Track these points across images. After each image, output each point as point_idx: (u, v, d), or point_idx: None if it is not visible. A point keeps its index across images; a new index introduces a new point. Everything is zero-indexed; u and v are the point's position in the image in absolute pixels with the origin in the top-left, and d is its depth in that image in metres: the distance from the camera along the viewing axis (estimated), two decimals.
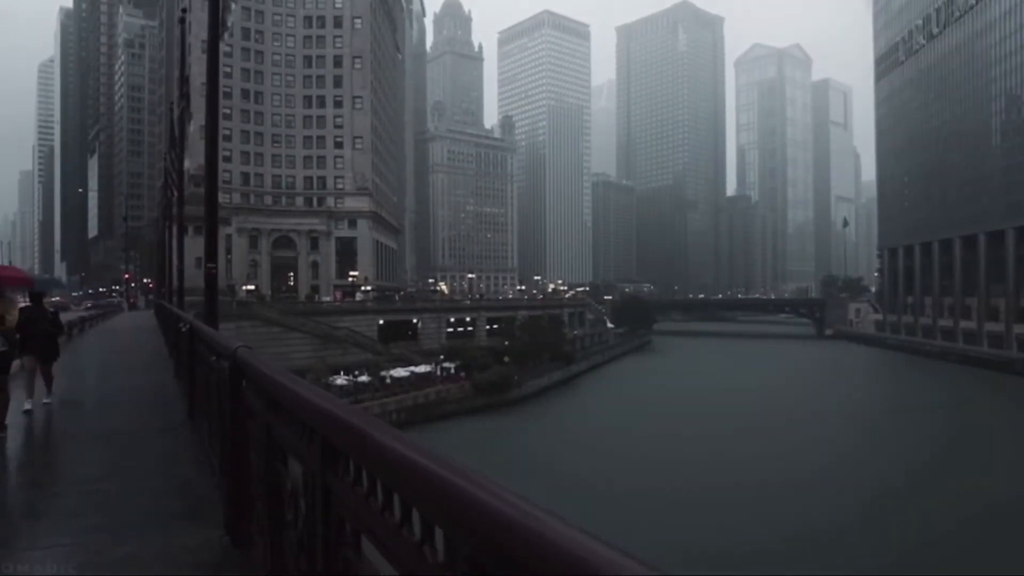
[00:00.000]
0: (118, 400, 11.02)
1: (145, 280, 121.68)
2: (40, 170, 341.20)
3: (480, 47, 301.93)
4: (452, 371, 75.71)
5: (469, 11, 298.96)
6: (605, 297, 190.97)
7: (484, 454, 52.58)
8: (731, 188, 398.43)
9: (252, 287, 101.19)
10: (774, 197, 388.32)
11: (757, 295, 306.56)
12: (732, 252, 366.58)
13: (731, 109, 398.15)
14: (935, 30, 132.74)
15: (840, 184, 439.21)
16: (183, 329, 9.36)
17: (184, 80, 14.17)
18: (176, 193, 18.40)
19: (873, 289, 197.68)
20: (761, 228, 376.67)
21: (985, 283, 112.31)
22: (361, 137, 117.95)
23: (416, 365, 74.39)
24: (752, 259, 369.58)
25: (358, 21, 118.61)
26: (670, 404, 73.60)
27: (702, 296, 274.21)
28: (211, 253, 8.87)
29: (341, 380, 65.95)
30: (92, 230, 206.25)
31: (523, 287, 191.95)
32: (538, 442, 57.22)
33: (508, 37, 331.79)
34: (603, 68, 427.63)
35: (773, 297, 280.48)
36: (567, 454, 52.19)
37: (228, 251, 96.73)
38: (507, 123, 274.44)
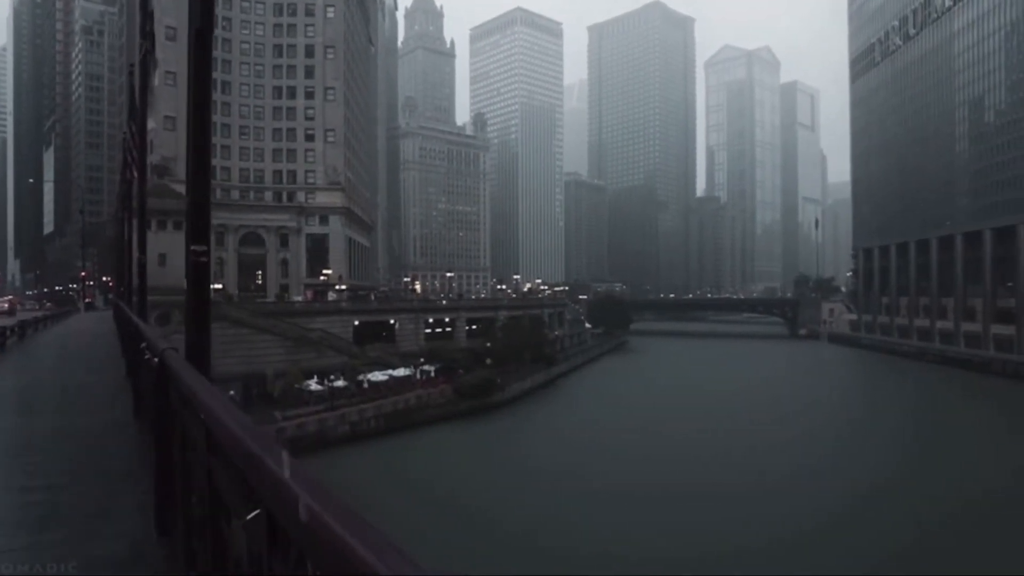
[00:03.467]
0: (24, 464, 6.50)
1: (104, 278, 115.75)
2: None
3: (452, 43, 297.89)
4: (432, 374, 72.39)
5: (441, 6, 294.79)
6: (580, 296, 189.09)
7: (473, 462, 50.00)
8: (700, 189, 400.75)
9: (219, 286, 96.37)
10: (743, 198, 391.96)
11: (727, 295, 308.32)
12: (702, 252, 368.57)
13: (701, 110, 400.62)
14: (912, 31, 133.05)
15: (807, 185, 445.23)
16: (146, 357, 5.97)
17: (147, 14, 10.92)
18: (136, 174, 14.97)
19: (844, 289, 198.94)
20: (730, 228, 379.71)
21: (963, 283, 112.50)
22: (333, 130, 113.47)
23: (394, 368, 70.96)
24: (721, 259, 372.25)
25: (330, 10, 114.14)
26: (654, 407, 72.27)
27: (673, 296, 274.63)
28: (200, 233, 5.12)
29: (315, 385, 62.22)
30: (48, 226, 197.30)
31: (504, 286, 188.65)
32: (527, 448, 54.72)
33: (480, 34, 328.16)
34: (575, 68, 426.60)
35: (743, 297, 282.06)
36: (556, 460, 50.64)
37: None
38: (479, 120, 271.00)
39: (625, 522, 36.72)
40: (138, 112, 13.67)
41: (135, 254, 23.05)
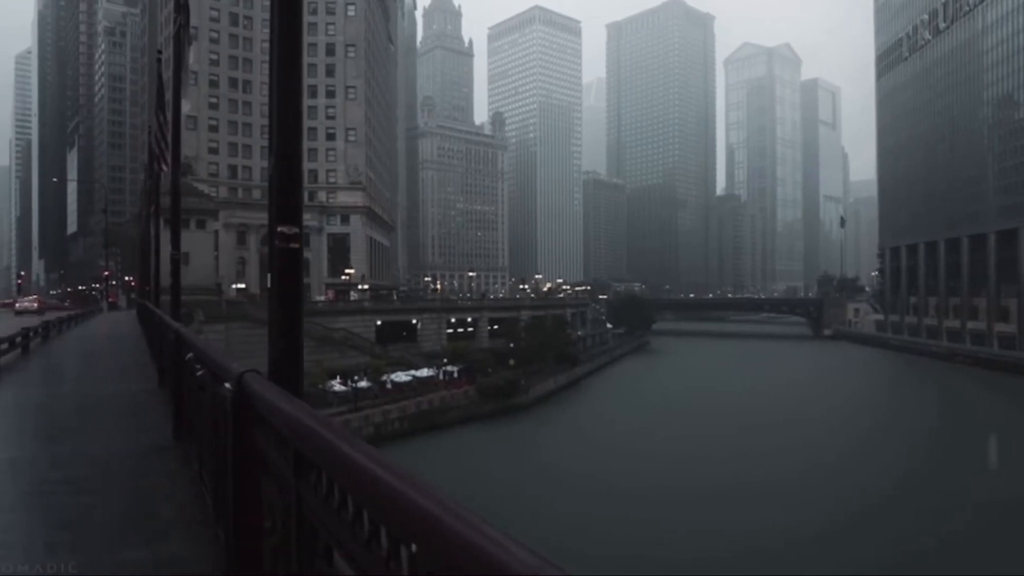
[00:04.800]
0: (47, 511, 5.06)
1: (127, 278, 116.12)
2: (17, 165, 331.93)
3: (470, 42, 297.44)
4: (455, 375, 71.45)
5: (459, 6, 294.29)
6: (599, 296, 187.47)
7: (497, 465, 48.98)
8: (720, 187, 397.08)
9: (242, 286, 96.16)
10: (763, 196, 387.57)
11: (747, 294, 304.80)
12: (722, 251, 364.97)
13: (721, 108, 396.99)
14: (942, 25, 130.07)
15: (828, 183, 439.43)
16: (199, 374, 4.80)
17: None
18: (170, 163, 13.99)
19: (868, 289, 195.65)
20: (750, 227, 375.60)
21: (996, 283, 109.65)
22: (354, 129, 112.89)
23: (417, 369, 70.11)
24: (741, 258, 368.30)
25: (351, 8, 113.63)
26: (680, 409, 70.75)
27: (692, 295, 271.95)
28: (290, 210, 3.89)
29: (339, 386, 61.48)
30: (71, 226, 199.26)
31: (526, 286, 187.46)
32: (552, 451, 53.54)
33: (498, 32, 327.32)
34: (593, 66, 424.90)
35: (764, 296, 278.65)
36: (582, 462, 49.56)
37: (215, 247, 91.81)
38: (498, 119, 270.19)
39: (651, 524, 36.13)
40: (171, 94, 12.67)
41: (162, 252, 22.20)
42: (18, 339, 17.28)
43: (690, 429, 60.33)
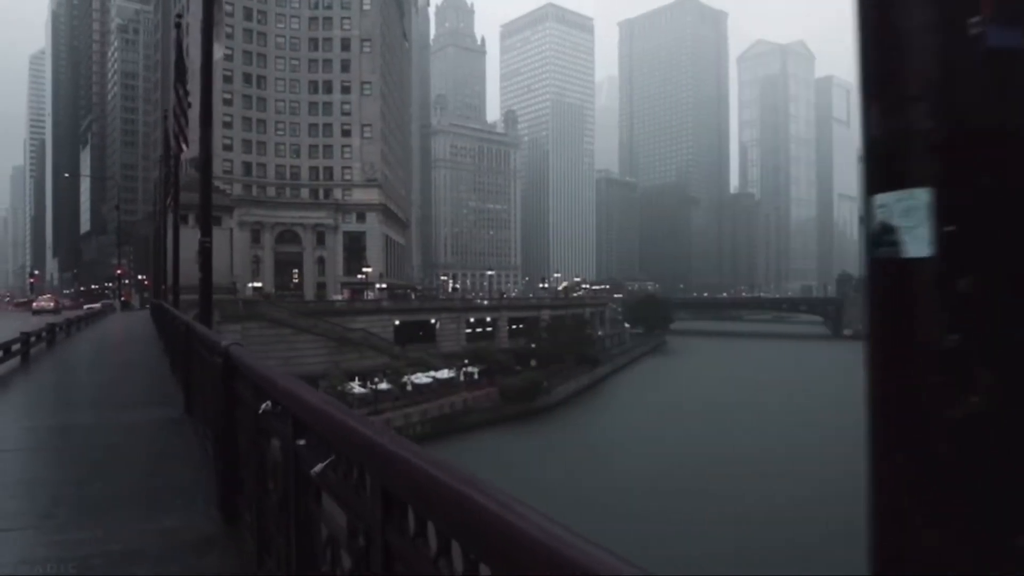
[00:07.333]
0: None
1: (140, 276, 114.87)
2: (32, 165, 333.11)
3: (483, 40, 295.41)
4: (476, 377, 69.47)
5: (472, 3, 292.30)
6: (615, 295, 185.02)
7: (525, 470, 46.97)
8: (734, 186, 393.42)
9: (258, 284, 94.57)
10: (777, 194, 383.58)
11: (761, 293, 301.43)
12: (735, 250, 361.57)
13: (734, 105, 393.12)
14: None
15: (842, 182, 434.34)
16: (296, 465, 2.66)
17: None
18: (185, 147, 11.96)
19: None
20: (764, 226, 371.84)
21: None
22: (370, 125, 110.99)
23: (437, 370, 68.12)
24: (755, 257, 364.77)
25: (367, 3, 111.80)
26: (706, 413, 68.42)
27: (706, 294, 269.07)
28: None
29: (358, 388, 59.58)
30: (84, 225, 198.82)
31: (545, 285, 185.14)
32: (580, 456, 51.48)
33: (511, 30, 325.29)
34: (605, 64, 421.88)
35: (778, 295, 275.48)
36: (611, 466, 47.49)
37: (229, 246, 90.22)
38: (510, 117, 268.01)
39: (675, 528, 34.86)
40: (204, 36, 10.56)
41: (180, 247, 20.25)
42: (15, 346, 14.55)
43: (718, 434, 58.11)
